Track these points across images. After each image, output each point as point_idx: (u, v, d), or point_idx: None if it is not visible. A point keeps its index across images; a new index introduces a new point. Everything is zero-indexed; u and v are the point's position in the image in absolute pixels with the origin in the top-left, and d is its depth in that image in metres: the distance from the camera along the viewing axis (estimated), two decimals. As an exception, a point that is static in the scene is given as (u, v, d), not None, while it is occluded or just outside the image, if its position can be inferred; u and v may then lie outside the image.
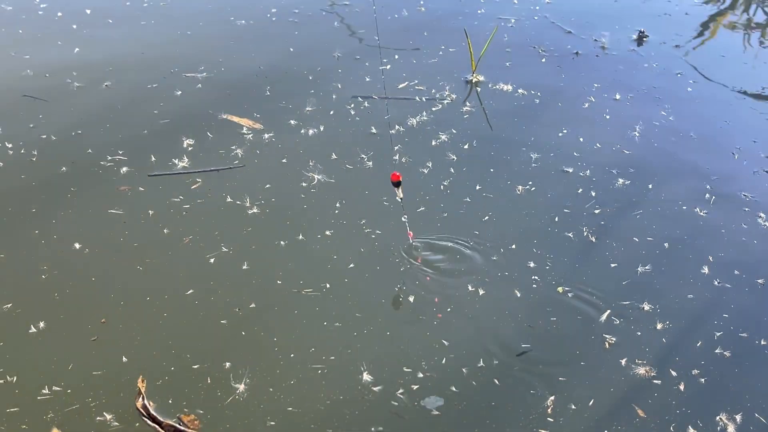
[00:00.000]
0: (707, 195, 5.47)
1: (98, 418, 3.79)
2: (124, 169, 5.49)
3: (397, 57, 7.19)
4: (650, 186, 5.55)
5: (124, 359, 4.10)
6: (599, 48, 7.34)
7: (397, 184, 4.66)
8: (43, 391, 3.90)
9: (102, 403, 3.86)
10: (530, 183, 5.54)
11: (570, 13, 8.05)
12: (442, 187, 5.49)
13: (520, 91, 6.66)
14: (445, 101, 6.47)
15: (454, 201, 5.36)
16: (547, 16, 7.95)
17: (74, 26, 7.35)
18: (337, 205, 5.25)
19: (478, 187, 5.48)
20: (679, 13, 8.17)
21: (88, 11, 7.60)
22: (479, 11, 8.00)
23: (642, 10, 8.26)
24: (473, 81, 6.65)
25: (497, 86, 6.68)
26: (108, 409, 3.83)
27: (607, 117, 6.34)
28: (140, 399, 3.86)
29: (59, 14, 7.56)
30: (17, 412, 3.82)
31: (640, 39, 7.42)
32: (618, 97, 6.59)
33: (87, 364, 4.06)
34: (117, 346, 4.18)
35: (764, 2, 8.48)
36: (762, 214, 5.28)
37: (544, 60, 7.17)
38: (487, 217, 5.21)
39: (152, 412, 3.81)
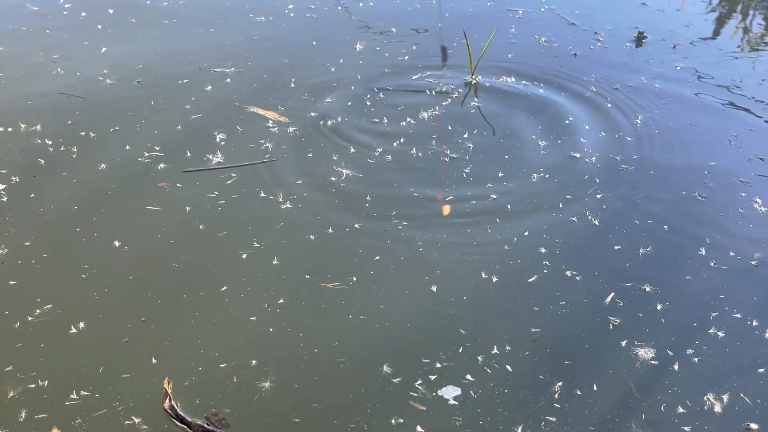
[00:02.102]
0: (705, 180, 5.48)
1: (126, 422, 3.78)
2: (161, 165, 5.50)
3: (414, 48, 7.19)
4: (652, 171, 5.57)
5: (154, 360, 4.10)
6: (596, 41, 7.31)
7: None
8: (72, 396, 3.90)
9: (130, 407, 3.85)
10: (542, 170, 5.57)
11: (576, 5, 8.02)
12: (464, 174, 5.53)
13: (524, 82, 6.66)
14: (454, 95, 6.48)
15: (479, 187, 5.41)
16: (554, 8, 7.92)
17: (99, 26, 7.34)
18: (368, 198, 5.27)
19: (500, 174, 5.52)
20: (672, 9, 8.12)
21: (111, 11, 7.59)
22: (488, 3, 7.98)
23: (644, 3, 8.22)
24: (472, 83, 6.63)
25: (501, 78, 6.68)
26: (136, 413, 3.82)
27: (609, 106, 6.34)
28: (167, 400, 3.86)
29: (83, 14, 7.54)
30: (45, 419, 3.80)
31: (639, 39, 7.38)
32: (618, 87, 6.59)
33: (117, 367, 4.06)
34: (147, 347, 4.18)
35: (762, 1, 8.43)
36: (758, 200, 5.29)
37: (544, 51, 7.16)
38: (510, 207, 5.25)
39: (180, 412, 3.81)
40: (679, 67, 6.97)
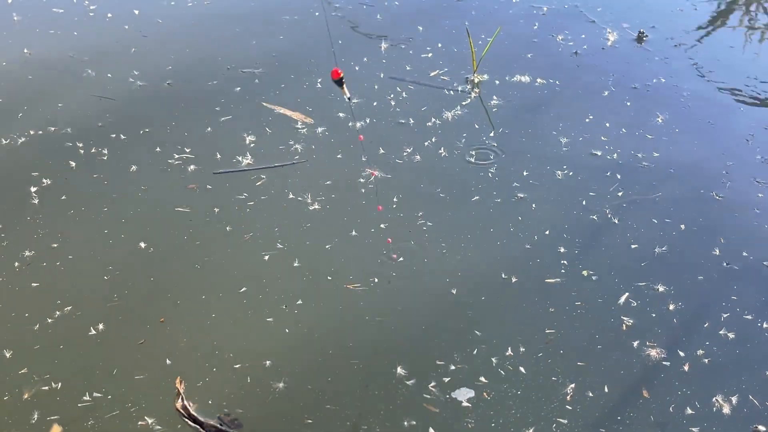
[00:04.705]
0: (723, 180, 5.45)
1: (139, 423, 3.81)
2: (192, 167, 5.51)
3: (440, 45, 7.16)
4: (671, 170, 5.55)
5: (168, 362, 4.13)
6: (609, 39, 7.27)
7: (339, 82, 4.22)
8: (84, 398, 3.92)
9: (142, 408, 3.88)
10: (565, 167, 5.57)
11: (598, 2, 7.99)
12: (489, 174, 5.52)
13: (539, 80, 6.63)
14: (471, 95, 6.45)
15: (505, 186, 5.41)
16: (578, 5, 7.88)
17: (126, 27, 7.34)
18: (395, 199, 5.26)
19: (525, 173, 5.52)
20: (689, 7, 8.06)
21: (137, 12, 7.58)
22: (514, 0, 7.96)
23: (660, 3, 8.18)
24: (475, 81, 6.61)
25: (514, 78, 6.65)
26: (149, 413, 3.85)
27: (628, 104, 6.31)
28: (179, 400, 3.89)
29: (109, 15, 7.55)
30: (57, 420, 3.84)
31: (640, 39, 7.33)
32: (636, 86, 6.55)
33: (130, 368, 4.09)
34: (162, 348, 4.21)
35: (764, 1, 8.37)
36: (775, 201, 5.27)
37: (561, 49, 7.13)
38: (534, 205, 5.25)
39: (192, 412, 3.84)
40: (694, 66, 6.91)
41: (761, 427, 3.85)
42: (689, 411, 3.93)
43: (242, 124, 5.99)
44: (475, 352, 4.22)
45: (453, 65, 6.86)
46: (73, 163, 5.53)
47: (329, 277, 4.67)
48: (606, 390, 4.03)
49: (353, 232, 4.99)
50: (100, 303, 4.47)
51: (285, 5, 7.77)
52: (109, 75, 6.61)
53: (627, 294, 4.57)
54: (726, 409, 3.94)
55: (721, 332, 4.35)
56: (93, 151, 5.66)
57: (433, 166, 5.59)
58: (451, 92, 6.48)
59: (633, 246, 4.92)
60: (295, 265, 4.74)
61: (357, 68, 6.78)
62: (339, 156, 5.67)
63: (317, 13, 7.64)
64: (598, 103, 6.33)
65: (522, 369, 4.13)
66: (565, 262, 4.80)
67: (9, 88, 6.41)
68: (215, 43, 7.14)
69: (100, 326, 4.31)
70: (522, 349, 4.23)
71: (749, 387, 4.06)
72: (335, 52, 6.13)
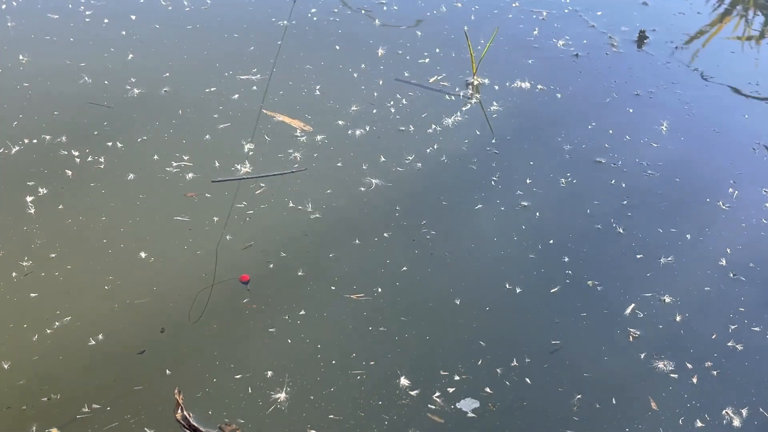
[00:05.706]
0: (730, 189, 5.47)
1: (139, 434, 3.82)
2: (190, 175, 5.49)
3: (438, 51, 7.16)
4: (677, 179, 5.56)
5: (168, 372, 4.12)
6: (612, 45, 7.27)
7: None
8: (83, 410, 3.91)
9: (142, 419, 3.87)
10: (569, 175, 5.58)
11: (599, 5, 7.98)
12: (492, 182, 5.52)
13: (539, 87, 6.63)
14: (472, 101, 6.45)
15: (508, 195, 5.41)
16: (577, 10, 7.87)
17: (123, 32, 7.26)
18: (397, 207, 5.26)
19: (528, 181, 5.53)
20: (690, 11, 8.06)
21: (133, 17, 7.51)
22: (514, 4, 7.94)
23: (645, 3, 8.17)
24: (475, 84, 6.60)
25: (515, 84, 6.64)
26: (149, 425, 3.84)
27: (631, 111, 6.32)
28: (179, 410, 3.88)
29: (106, 21, 7.47)
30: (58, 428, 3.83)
31: (641, 40, 7.34)
32: (638, 93, 6.56)
33: (130, 379, 4.07)
34: (163, 358, 4.20)
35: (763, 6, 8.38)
36: (783, 212, 5.28)
37: (561, 55, 7.13)
38: (538, 214, 5.25)
39: (193, 422, 3.83)
40: (696, 71, 6.92)
41: (772, 441, 3.86)
42: (699, 423, 3.95)
43: (241, 132, 5.97)
44: (480, 362, 4.23)
45: (452, 70, 6.85)
46: (69, 172, 5.49)
47: (332, 287, 4.67)
48: (613, 402, 4.04)
49: (356, 241, 4.99)
50: (99, 313, 4.45)
51: (283, 11, 7.74)
52: (106, 82, 6.56)
53: (633, 305, 4.59)
54: (736, 422, 3.96)
55: (729, 344, 4.37)
56: (90, 159, 5.62)
57: (435, 174, 5.59)
58: (452, 97, 6.47)
59: (638, 256, 4.93)
60: (299, 274, 4.74)
61: (355, 75, 6.77)
62: (339, 164, 5.66)
63: (315, 18, 7.61)
64: (600, 110, 6.34)
65: (527, 380, 4.14)
66: (570, 272, 4.81)
67: (3, 95, 6.36)
68: (212, 48, 7.11)
69: (100, 336, 4.30)
70: (527, 360, 4.25)
71: (759, 400, 4.08)
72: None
